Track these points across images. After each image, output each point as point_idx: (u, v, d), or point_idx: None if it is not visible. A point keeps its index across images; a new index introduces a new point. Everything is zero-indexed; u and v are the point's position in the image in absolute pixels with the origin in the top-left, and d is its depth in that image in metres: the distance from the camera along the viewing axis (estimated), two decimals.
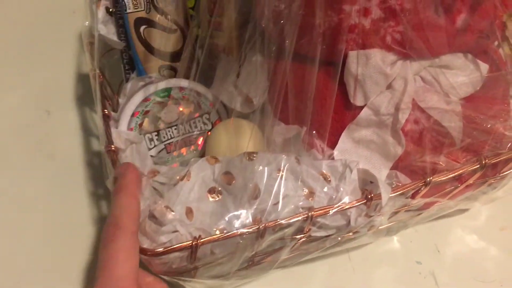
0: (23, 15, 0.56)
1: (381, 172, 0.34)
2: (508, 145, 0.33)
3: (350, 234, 0.35)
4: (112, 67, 0.41)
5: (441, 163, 0.33)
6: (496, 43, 0.33)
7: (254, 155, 0.32)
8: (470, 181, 0.34)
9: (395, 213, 0.35)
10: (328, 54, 0.32)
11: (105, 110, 0.35)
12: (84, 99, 0.47)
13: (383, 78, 0.32)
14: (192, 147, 0.38)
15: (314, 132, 0.33)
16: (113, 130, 0.35)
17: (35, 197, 0.42)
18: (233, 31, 0.36)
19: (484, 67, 0.33)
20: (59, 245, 0.40)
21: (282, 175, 0.31)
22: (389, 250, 0.41)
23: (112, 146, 0.33)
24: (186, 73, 0.38)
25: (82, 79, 0.49)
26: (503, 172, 0.35)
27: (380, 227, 0.37)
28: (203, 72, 0.38)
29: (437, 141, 0.34)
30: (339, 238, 0.34)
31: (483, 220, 0.43)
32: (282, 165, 0.31)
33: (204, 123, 0.38)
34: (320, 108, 0.33)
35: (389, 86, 0.32)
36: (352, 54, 0.31)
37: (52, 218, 0.41)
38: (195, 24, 0.37)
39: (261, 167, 0.32)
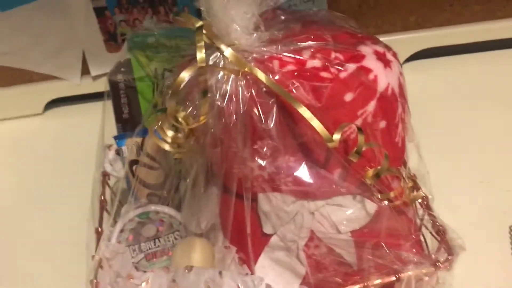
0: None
1: (293, 286, 0.43)
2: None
3: None
4: None
5: (338, 282, 0.42)
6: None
7: (192, 268, 0.43)
8: None
9: None
10: (246, 193, 0.43)
11: (99, 228, 0.48)
12: None
13: (285, 214, 0.42)
14: (165, 257, 0.50)
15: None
16: (105, 244, 0.48)
17: None
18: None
19: (371, 206, 0.42)
20: None
21: (208, 286, 0.42)
22: None
23: (98, 257, 0.46)
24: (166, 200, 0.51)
25: None
26: None
27: None
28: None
29: (335, 263, 0.42)
30: None
31: None
32: (208, 277, 0.42)
33: (175, 238, 0.50)
34: (240, 233, 0.43)
35: (292, 219, 0.42)
36: (260, 196, 0.42)
37: None
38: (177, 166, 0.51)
39: (193, 278, 0.42)
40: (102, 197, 0.51)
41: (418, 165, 0.47)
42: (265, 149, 0.39)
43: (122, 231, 0.50)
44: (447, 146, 0.63)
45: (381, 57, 0.40)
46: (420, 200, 0.45)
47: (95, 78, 0.77)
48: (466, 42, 0.73)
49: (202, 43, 0.35)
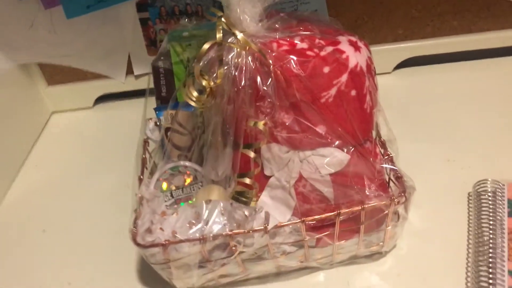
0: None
1: (286, 216, 0.57)
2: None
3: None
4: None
5: (319, 212, 0.55)
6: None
7: (210, 201, 0.57)
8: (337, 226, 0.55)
9: (299, 244, 0.56)
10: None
11: (140, 176, 0.63)
12: None
13: (280, 160, 0.56)
14: (190, 201, 0.64)
15: None
16: (145, 189, 0.62)
17: None
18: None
19: (345, 156, 0.55)
20: None
21: (221, 211, 0.56)
22: (316, 282, 0.61)
23: (140, 195, 0.60)
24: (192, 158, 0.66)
25: None
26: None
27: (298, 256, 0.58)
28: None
29: (317, 198, 0.56)
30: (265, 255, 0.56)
31: (386, 267, 0.61)
32: (222, 206, 0.56)
33: (199, 188, 0.64)
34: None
35: (286, 164, 0.56)
36: (262, 146, 0.56)
37: None
38: (201, 131, 0.65)
39: (211, 207, 0.56)
40: (144, 156, 0.66)
41: (387, 133, 0.61)
42: (266, 107, 0.53)
43: (158, 180, 0.64)
44: (424, 133, 0.77)
45: (353, 44, 0.54)
46: (386, 157, 0.59)
47: (137, 77, 0.93)
48: (445, 52, 0.87)
49: (221, 27, 0.51)
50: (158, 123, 0.68)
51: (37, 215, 0.76)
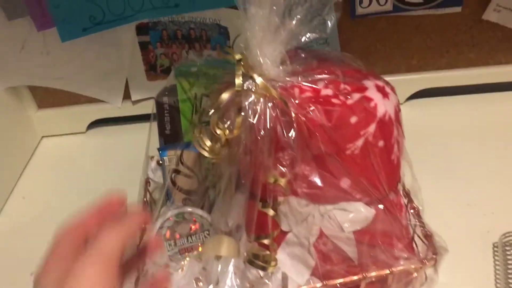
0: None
1: (304, 276, 0.52)
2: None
3: None
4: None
5: (341, 273, 0.50)
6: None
7: (221, 257, 0.52)
8: None
9: None
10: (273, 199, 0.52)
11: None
12: None
13: (299, 215, 0.51)
14: (195, 252, 0.59)
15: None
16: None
17: None
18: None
19: (370, 211, 0.51)
20: None
21: (233, 271, 0.51)
22: None
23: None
24: (199, 203, 0.60)
25: None
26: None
27: None
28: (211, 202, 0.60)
29: (340, 257, 0.51)
30: None
31: None
32: (235, 265, 0.51)
33: (205, 236, 0.59)
34: (262, 231, 0.52)
35: (305, 219, 0.51)
36: (280, 199, 0.51)
37: None
38: (209, 176, 0.60)
39: (222, 265, 0.51)
40: (145, 199, 0.61)
41: (412, 182, 0.56)
42: (286, 159, 0.48)
43: (161, 227, 0.59)
44: (440, 172, 0.73)
45: (380, 90, 0.50)
46: (412, 211, 0.54)
47: (135, 102, 0.88)
48: (461, 85, 0.83)
49: (240, 72, 0.46)
50: (160, 163, 0.63)
51: (25, 256, 0.69)
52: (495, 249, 0.62)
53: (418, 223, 0.53)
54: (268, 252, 0.49)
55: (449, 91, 0.85)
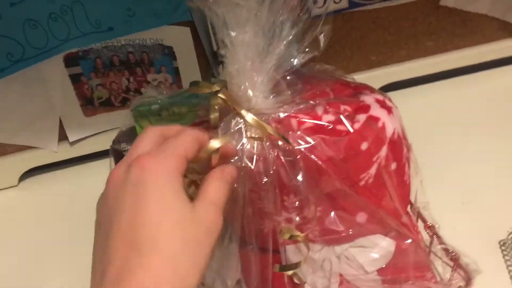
0: None
1: None
2: None
3: None
4: None
5: None
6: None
7: None
8: None
9: None
10: (277, 247, 0.44)
11: None
12: None
13: (313, 262, 0.44)
14: None
15: None
16: None
17: None
18: None
19: (391, 242, 0.45)
20: None
21: None
22: None
23: None
24: None
25: None
26: None
27: None
28: None
29: None
30: None
31: None
32: None
33: None
34: (266, 286, 0.45)
35: (321, 266, 0.44)
36: (288, 248, 0.44)
37: None
38: None
39: None
40: None
41: (419, 196, 0.51)
42: (293, 202, 0.41)
43: None
44: (428, 170, 0.68)
45: (383, 105, 0.44)
46: (428, 231, 0.49)
47: (73, 143, 0.76)
48: (423, 74, 0.80)
49: (217, 107, 0.38)
50: None
51: None
52: (503, 247, 0.58)
53: (438, 244, 0.48)
54: None
55: (413, 82, 0.81)
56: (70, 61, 0.69)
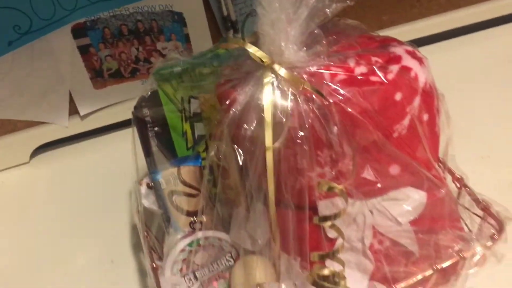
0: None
1: (363, 284, 0.45)
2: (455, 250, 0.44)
3: None
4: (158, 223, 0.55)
5: (406, 271, 0.44)
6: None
7: (263, 285, 0.44)
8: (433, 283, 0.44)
9: None
10: (310, 203, 0.44)
11: (154, 264, 0.48)
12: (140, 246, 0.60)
13: (347, 216, 0.43)
14: (222, 280, 0.50)
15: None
16: (161, 278, 0.47)
17: None
18: (238, 189, 0.49)
19: (422, 194, 0.44)
20: None
21: None
22: None
23: None
24: (210, 224, 0.51)
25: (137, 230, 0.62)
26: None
27: None
28: (224, 220, 0.51)
29: (400, 254, 0.45)
30: None
31: None
32: None
33: (228, 260, 0.50)
34: (301, 242, 0.44)
35: (354, 220, 0.44)
36: (320, 203, 0.43)
37: None
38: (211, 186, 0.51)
39: None
40: (146, 234, 0.51)
41: (445, 147, 0.50)
42: (326, 157, 0.41)
43: (175, 262, 0.49)
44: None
45: (414, 56, 0.43)
46: (457, 182, 0.49)
47: (84, 117, 0.75)
48: (436, 32, 0.79)
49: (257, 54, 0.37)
50: (150, 185, 0.53)
51: None
52: None
53: (467, 195, 0.48)
54: (337, 270, 0.41)
55: (426, 41, 0.80)
56: (78, 32, 0.67)
